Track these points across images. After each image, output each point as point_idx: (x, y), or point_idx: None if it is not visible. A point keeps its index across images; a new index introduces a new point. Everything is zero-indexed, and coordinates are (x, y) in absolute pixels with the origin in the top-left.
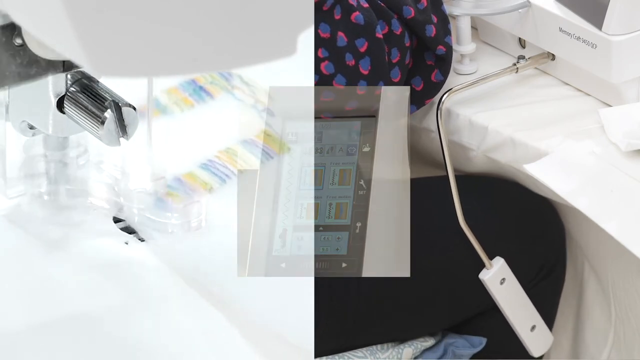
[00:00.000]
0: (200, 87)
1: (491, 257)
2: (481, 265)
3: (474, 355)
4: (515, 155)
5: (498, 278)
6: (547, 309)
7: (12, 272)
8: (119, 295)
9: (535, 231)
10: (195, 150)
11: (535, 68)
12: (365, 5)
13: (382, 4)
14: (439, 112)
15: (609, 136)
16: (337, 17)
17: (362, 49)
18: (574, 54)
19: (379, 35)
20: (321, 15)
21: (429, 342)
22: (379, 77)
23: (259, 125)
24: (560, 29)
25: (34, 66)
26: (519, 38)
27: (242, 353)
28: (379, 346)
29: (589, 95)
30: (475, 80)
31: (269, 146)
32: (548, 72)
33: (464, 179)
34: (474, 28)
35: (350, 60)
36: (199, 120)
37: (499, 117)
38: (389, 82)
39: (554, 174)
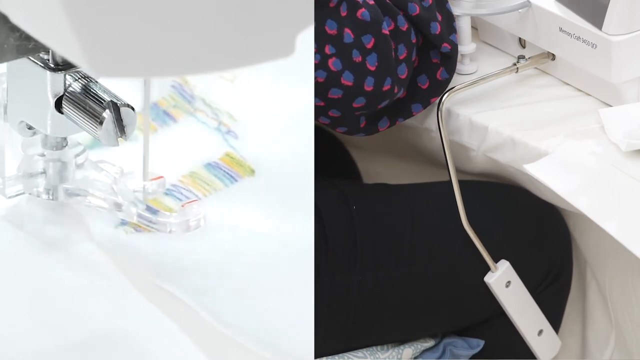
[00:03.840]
0: (163, 111)
1: (496, 262)
2: (485, 269)
3: (474, 356)
4: (516, 155)
5: (503, 281)
6: (555, 315)
7: (11, 271)
8: (117, 296)
9: (540, 236)
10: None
11: (535, 68)
12: (371, 2)
13: (388, 1)
14: (439, 112)
15: (609, 136)
16: (344, 13)
17: (369, 45)
18: (574, 54)
19: (385, 31)
20: (328, 12)
21: (429, 342)
22: (386, 73)
23: (222, 148)
24: (561, 29)
25: (32, 40)
26: (519, 38)
27: (240, 354)
28: (378, 346)
29: (589, 95)
30: (475, 80)
31: (233, 169)
32: (548, 72)
33: (468, 183)
34: (474, 28)
35: (357, 57)
36: (162, 144)
37: (499, 117)
38: (396, 79)
39: (554, 174)
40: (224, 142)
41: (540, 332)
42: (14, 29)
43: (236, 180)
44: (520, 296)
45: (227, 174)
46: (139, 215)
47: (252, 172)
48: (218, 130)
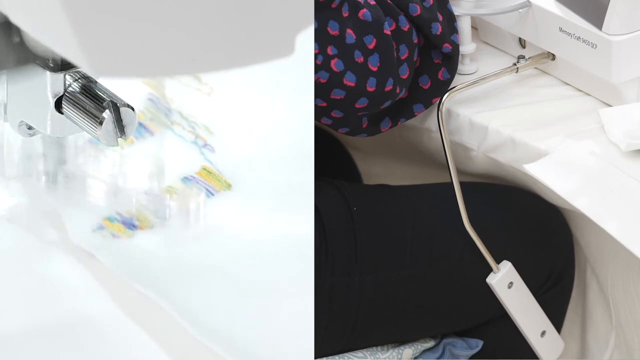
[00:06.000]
0: (140, 124)
1: (498, 263)
2: (487, 271)
3: (473, 356)
4: (516, 155)
5: (505, 282)
6: (556, 317)
7: (11, 272)
8: (117, 296)
9: (542, 237)
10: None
11: (536, 68)
12: (372, 2)
13: (389, 1)
14: (439, 112)
15: (609, 136)
16: (345, 14)
17: (371, 46)
18: (574, 54)
19: (387, 31)
20: (330, 13)
21: (429, 343)
22: (388, 73)
23: (199, 162)
24: (561, 29)
25: (31, 64)
26: (519, 38)
27: (239, 354)
28: (378, 347)
29: (589, 95)
30: (475, 80)
31: (210, 183)
32: (548, 72)
33: (470, 185)
34: (474, 28)
35: (359, 57)
36: (139, 158)
37: (499, 117)
38: (398, 79)
39: (554, 174)
40: (200, 155)
41: (543, 333)
42: (14, 52)
43: (212, 195)
44: (522, 297)
45: (204, 187)
46: (138, 216)
47: (229, 186)
48: (195, 144)
